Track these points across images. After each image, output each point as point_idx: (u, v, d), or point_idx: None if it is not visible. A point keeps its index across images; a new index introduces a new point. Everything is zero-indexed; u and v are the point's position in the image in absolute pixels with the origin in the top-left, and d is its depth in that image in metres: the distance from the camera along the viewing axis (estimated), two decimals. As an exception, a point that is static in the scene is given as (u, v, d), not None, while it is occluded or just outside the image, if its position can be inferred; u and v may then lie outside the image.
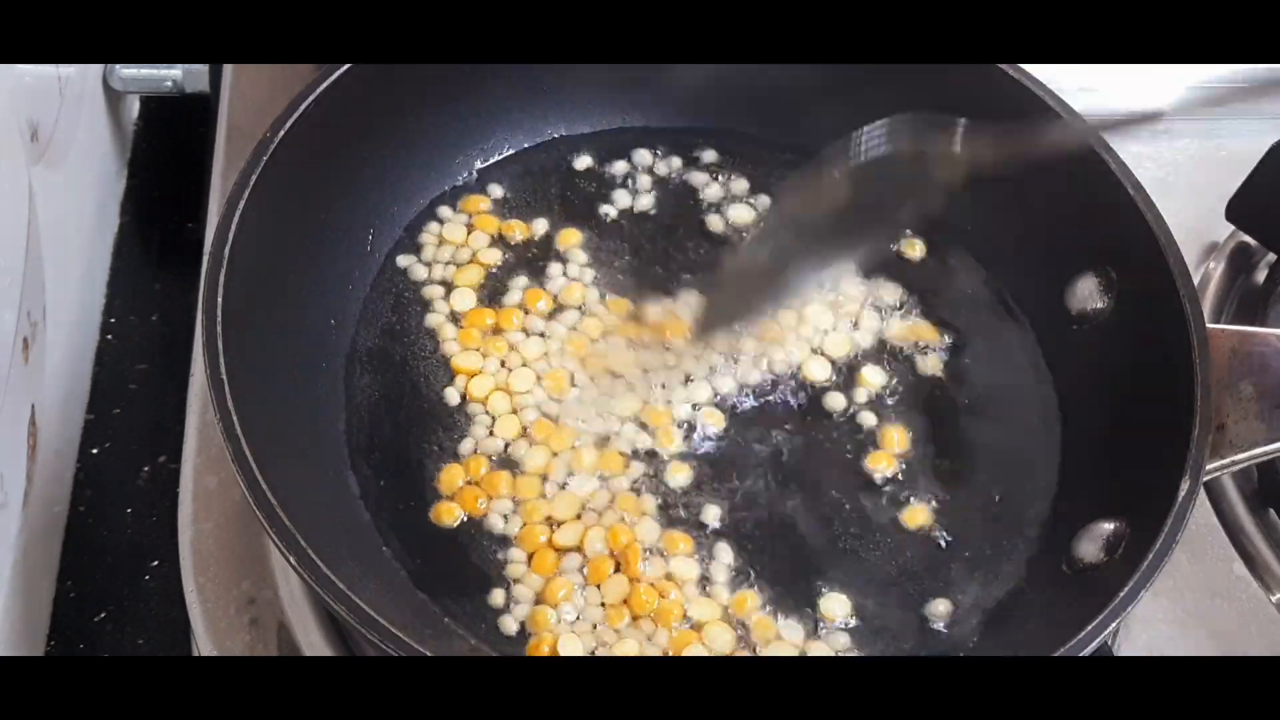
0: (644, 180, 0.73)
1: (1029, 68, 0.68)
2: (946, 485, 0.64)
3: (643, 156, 0.74)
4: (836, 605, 0.60)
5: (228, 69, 0.82)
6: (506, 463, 0.62)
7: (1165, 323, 0.62)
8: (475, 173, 0.72)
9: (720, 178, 0.74)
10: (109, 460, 0.75)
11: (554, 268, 0.69)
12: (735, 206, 0.73)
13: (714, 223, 0.72)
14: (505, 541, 0.60)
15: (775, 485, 0.63)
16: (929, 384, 0.68)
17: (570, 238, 0.70)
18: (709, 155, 0.75)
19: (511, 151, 0.73)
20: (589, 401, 0.64)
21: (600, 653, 0.57)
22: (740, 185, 0.74)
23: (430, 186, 0.71)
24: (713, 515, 0.62)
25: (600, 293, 0.68)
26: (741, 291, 0.65)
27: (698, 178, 0.74)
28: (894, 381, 0.67)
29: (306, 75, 0.64)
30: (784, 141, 0.74)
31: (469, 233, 0.70)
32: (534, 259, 0.70)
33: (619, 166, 0.73)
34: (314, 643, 0.62)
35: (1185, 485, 0.56)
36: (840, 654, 0.58)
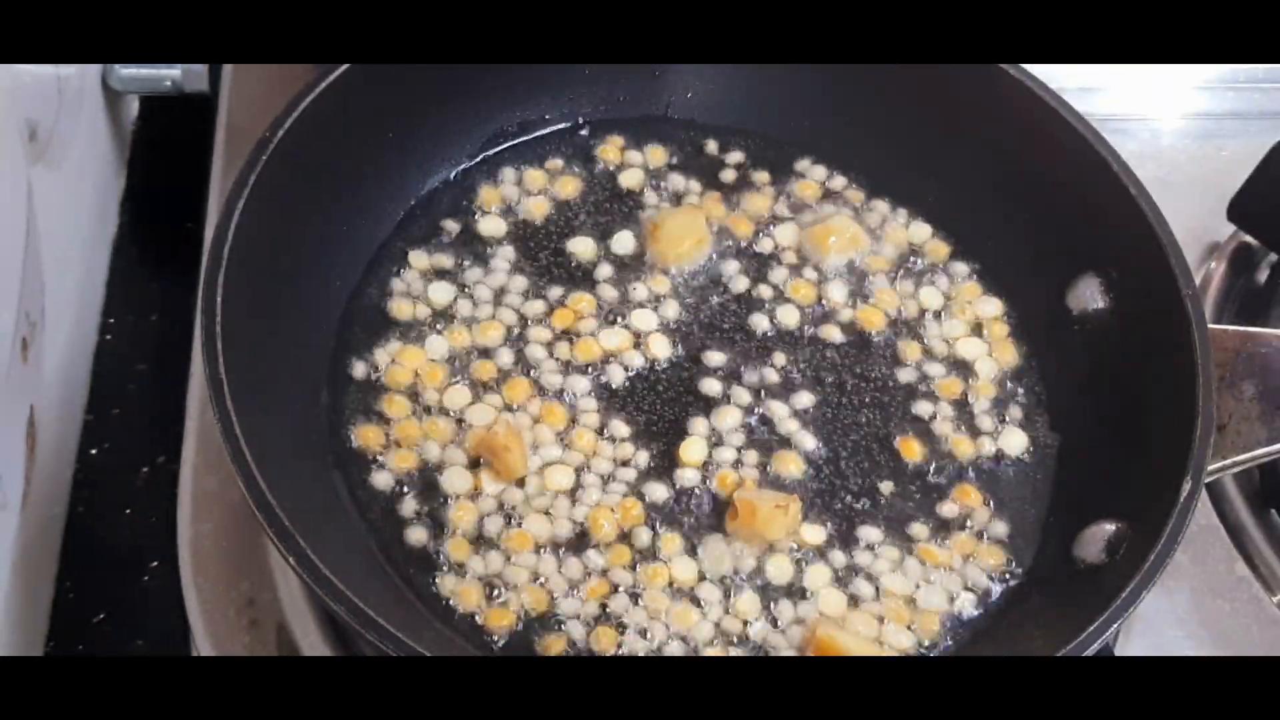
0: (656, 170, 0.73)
1: (1030, 67, 0.68)
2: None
3: (649, 149, 0.74)
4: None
5: (227, 69, 0.82)
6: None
7: (1167, 323, 0.62)
8: (474, 171, 0.72)
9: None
10: (108, 461, 0.74)
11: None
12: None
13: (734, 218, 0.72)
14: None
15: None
16: (930, 384, 0.68)
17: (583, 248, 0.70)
18: (711, 147, 0.74)
19: (509, 149, 0.73)
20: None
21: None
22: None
23: (429, 185, 0.71)
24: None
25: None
26: None
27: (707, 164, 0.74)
28: (895, 382, 0.68)
29: (306, 75, 0.63)
30: (782, 140, 0.74)
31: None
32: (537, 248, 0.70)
33: (617, 162, 0.73)
34: (313, 644, 0.62)
35: (1187, 486, 0.56)
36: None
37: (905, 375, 0.67)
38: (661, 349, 0.67)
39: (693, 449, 0.63)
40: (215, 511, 0.64)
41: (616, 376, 0.65)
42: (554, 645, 0.58)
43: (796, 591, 0.60)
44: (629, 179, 0.73)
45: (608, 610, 0.59)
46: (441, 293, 0.67)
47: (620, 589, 0.59)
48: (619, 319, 0.67)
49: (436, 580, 0.59)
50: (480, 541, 0.60)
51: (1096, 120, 0.67)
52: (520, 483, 0.62)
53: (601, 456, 0.63)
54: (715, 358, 0.67)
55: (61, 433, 0.72)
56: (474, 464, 0.62)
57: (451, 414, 0.63)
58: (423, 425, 0.63)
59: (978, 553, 0.62)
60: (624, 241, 0.70)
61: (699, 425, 0.64)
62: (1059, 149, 0.67)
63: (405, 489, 0.61)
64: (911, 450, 0.65)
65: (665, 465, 0.63)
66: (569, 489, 0.62)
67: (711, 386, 0.66)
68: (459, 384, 0.64)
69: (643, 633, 0.58)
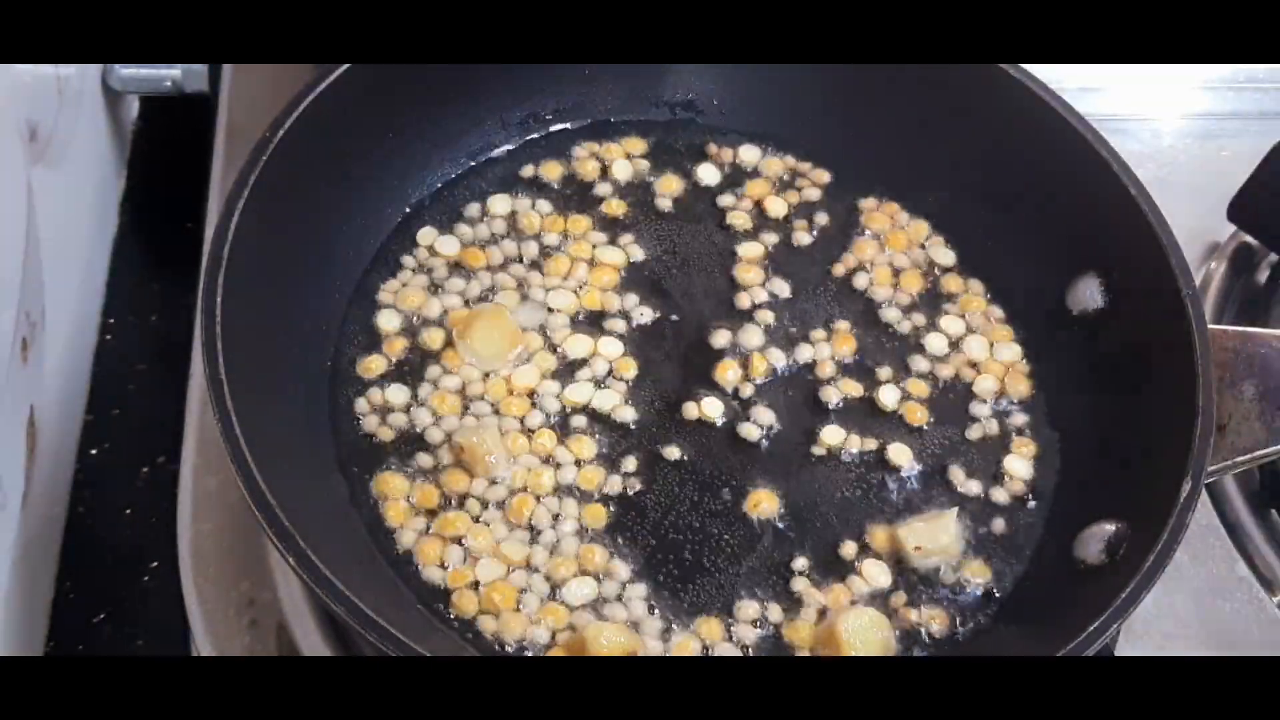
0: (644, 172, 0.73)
1: (1029, 67, 0.68)
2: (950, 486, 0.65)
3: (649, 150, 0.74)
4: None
5: (227, 69, 0.82)
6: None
7: (1167, 323, 0.62)
8: (474, 171, 0.72)
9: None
10: (108, 461, 0.75)
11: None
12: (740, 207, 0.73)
13: (736, 219, 0.72)
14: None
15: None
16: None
17: (579, 224, 0.70)
18: (712, 147, 0.74)
19: (510, 150, 0.73)
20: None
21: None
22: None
23: (429, 185, 0.71)
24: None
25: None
26: None
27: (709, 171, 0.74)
28: (895, 382, 0.68)
29: (306, 75, 0.64)
30: (783, 140, 0.74)
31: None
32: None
33: (618, 163, 0.73)
34: (313, 644, 0.61)
35: (1187, 486, 0.56)
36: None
37: (905, 376, 0.68)
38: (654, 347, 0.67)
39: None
40: (215, 512, 0.64)
41: (618, 386, 0.66)
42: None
43: (794, 595, 0.60)
44: (629, 180, 0.73)
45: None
46: (440, 293, 0.67)
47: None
48: (621, 321, 0.68)
49: (434, 580, 0.59)
50: (473, 542, 0.60)
51: (1096, 120, 0.67)
52: (509, 486, 0.62)
53: (589, 463, 0.63)
54: (721, 337, 0.67)
55: (61, 433, 0.72)
56: (463, 466, 0.62)
57: (445, 414, 0.63)
58: (414, 419, 0.63)
59: (978, 552, 0.62)
60: (627, 244, 0.70)
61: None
62: (1059, 149, 0.67)
63: (405, 487, 0.61)
64: (911, 452, 0.65)
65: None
66: (552, 489, 0.62)
67: (721, 339, 0.67)
68: (454, 387, 0.64)
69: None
